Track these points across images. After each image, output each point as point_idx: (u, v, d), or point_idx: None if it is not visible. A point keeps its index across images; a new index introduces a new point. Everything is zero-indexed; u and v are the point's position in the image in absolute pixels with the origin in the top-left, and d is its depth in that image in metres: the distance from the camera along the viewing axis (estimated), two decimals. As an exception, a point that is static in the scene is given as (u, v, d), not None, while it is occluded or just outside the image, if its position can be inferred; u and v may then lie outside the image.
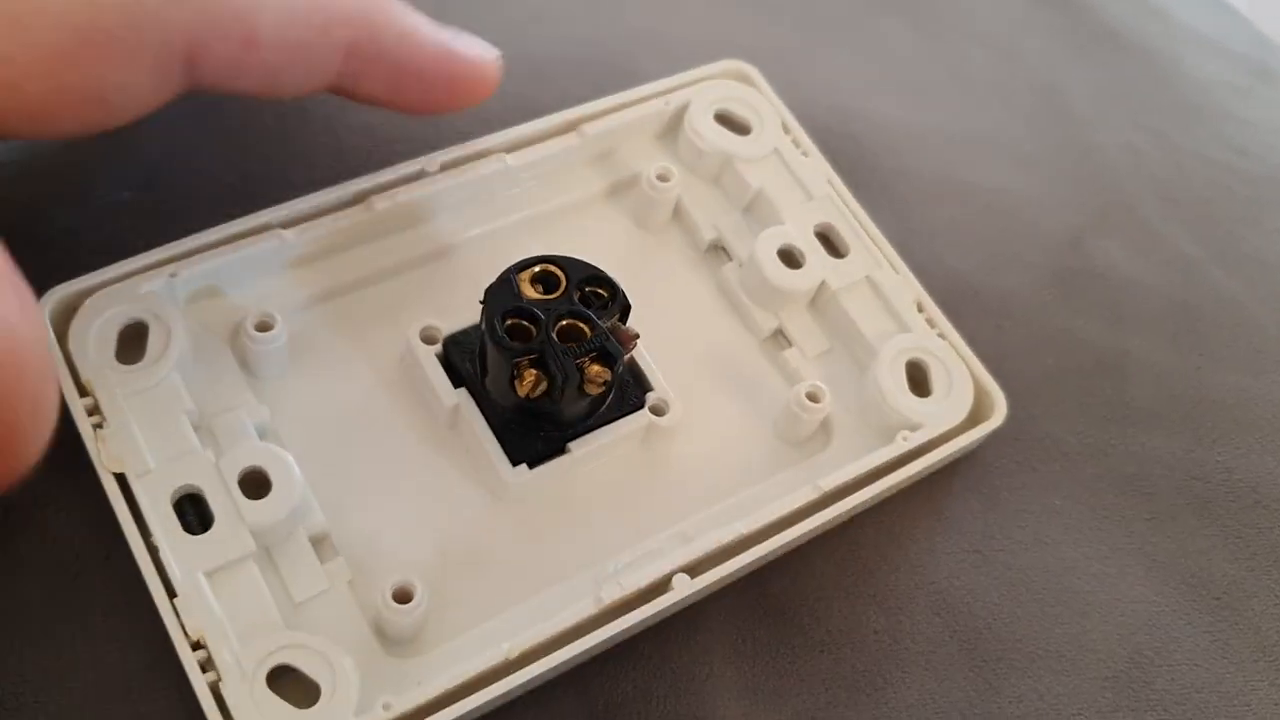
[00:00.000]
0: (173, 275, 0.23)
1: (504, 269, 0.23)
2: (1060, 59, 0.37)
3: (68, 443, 0.23)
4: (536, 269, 0.23)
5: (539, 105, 0.29)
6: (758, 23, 0.35)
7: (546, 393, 0.22)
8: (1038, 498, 0.27)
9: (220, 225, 0.24)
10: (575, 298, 0.22)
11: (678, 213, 0.28)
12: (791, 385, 0.25)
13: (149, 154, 0.28)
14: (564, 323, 0.22)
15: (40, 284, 0.24)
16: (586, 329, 0.22)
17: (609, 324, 0.22)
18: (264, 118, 0.29)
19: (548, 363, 0.22)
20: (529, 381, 0.22)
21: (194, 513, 0.21)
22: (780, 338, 0.26)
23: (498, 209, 0.26)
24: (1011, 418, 0.26)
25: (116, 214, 0.26)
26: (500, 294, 0.22)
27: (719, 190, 0.28)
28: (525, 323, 0.22)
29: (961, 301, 0.29)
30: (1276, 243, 0.33)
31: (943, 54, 0.36)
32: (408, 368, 0.24)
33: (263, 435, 0.23)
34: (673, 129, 0.28)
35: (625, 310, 0.23)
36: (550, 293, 0.23)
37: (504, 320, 0.22)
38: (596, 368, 0.22)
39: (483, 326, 0.22)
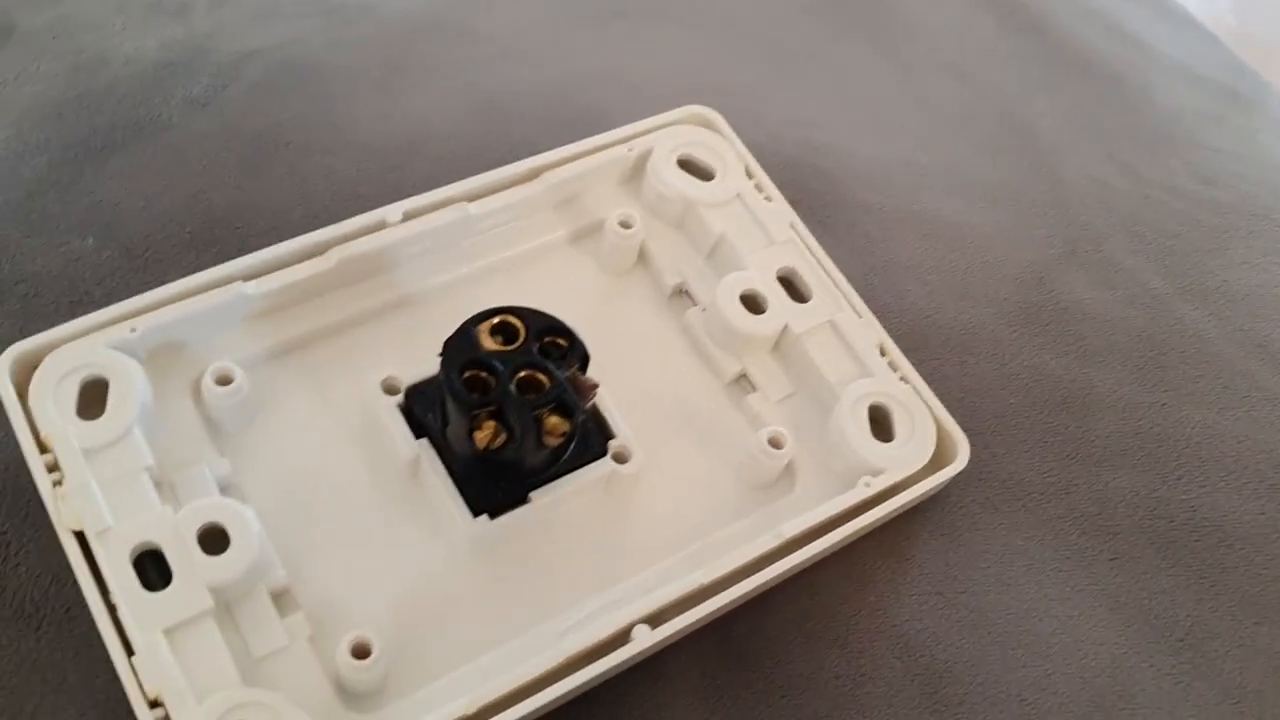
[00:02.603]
0: (133, 330, 0.23)
1: (464, 320, 0.23)
2: (1029, 88, 0.37)
3: (31, 497, 0.23)
4: (495, 320, 0.23)
5: (503, 146, 0.29)
6: (726, 59, 0.35)
7: (506, 444, 0.22)
8: (1000, 538, 0.27)
9: (181, 279, 0.24)
10: (535, 348, 0.23)
11: (642, 258, 0.28)
12: (755, 430, 0.25)
13: (111, 198, 0.28)
14: (523, 374, 0.22)
15: (0, 334, 0.25)
16: (546, 380, 0.22)
17: (568, 374, 0.22)
18: (227, 163, 0.29)
19: (506, 415, 0.22)
20: (488, 433, 0.22)
21: (154, 568, 0.21)
22: (744, 382, 0.27)
23: (461, 257, 0.26)
24: (974, 456, 0.26)
25: (79, 260, 0.26)
26: (459, 346, 0.22)
27: (683, 235, 0.28)
28: (484, 374, 0.22)
29: (925, 337, 0.29)
30: (1243, 274, 0.33)
31: (911, 85, 0.36)
32: (370, 418, 0.24)
33: (225, 489, 0.23)
34: (636, 175, 0.28)
35: (584, 360, 0.23)
36: (510, 343, 0.23)
37: (462, 372, 0.22)
38: (555, 419, 0.22)
39: (441, 379, 0.22)
